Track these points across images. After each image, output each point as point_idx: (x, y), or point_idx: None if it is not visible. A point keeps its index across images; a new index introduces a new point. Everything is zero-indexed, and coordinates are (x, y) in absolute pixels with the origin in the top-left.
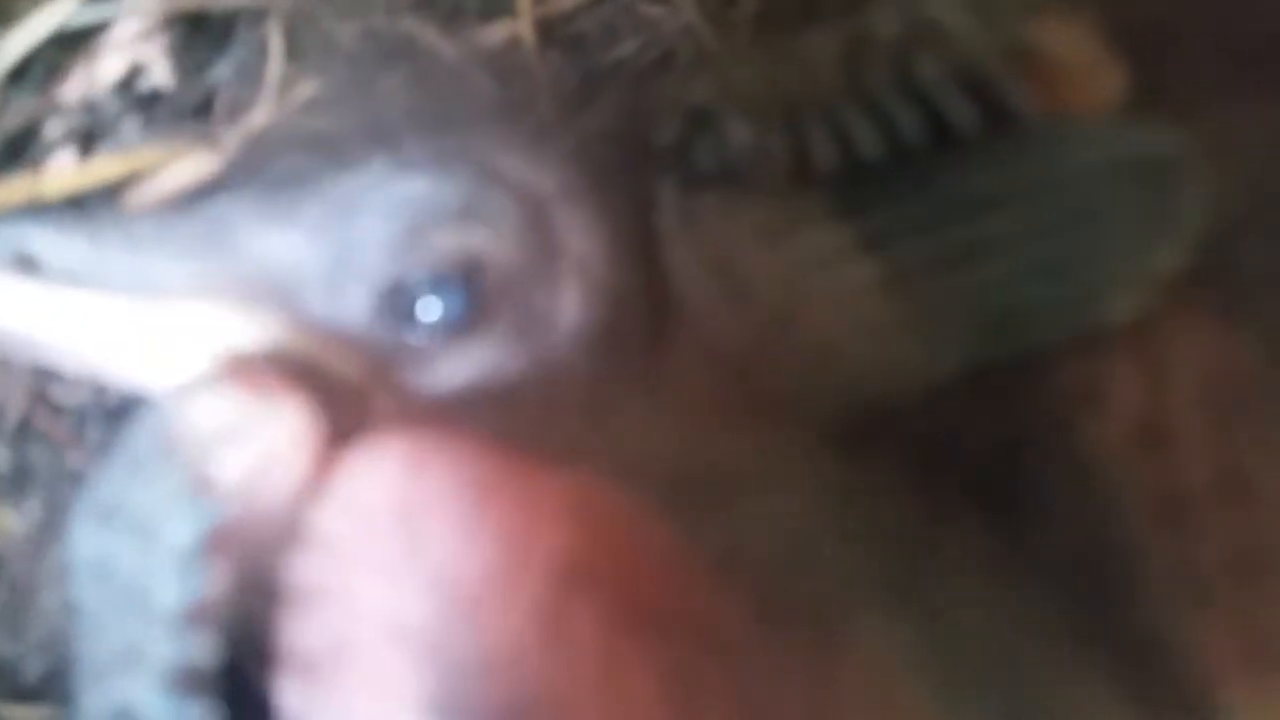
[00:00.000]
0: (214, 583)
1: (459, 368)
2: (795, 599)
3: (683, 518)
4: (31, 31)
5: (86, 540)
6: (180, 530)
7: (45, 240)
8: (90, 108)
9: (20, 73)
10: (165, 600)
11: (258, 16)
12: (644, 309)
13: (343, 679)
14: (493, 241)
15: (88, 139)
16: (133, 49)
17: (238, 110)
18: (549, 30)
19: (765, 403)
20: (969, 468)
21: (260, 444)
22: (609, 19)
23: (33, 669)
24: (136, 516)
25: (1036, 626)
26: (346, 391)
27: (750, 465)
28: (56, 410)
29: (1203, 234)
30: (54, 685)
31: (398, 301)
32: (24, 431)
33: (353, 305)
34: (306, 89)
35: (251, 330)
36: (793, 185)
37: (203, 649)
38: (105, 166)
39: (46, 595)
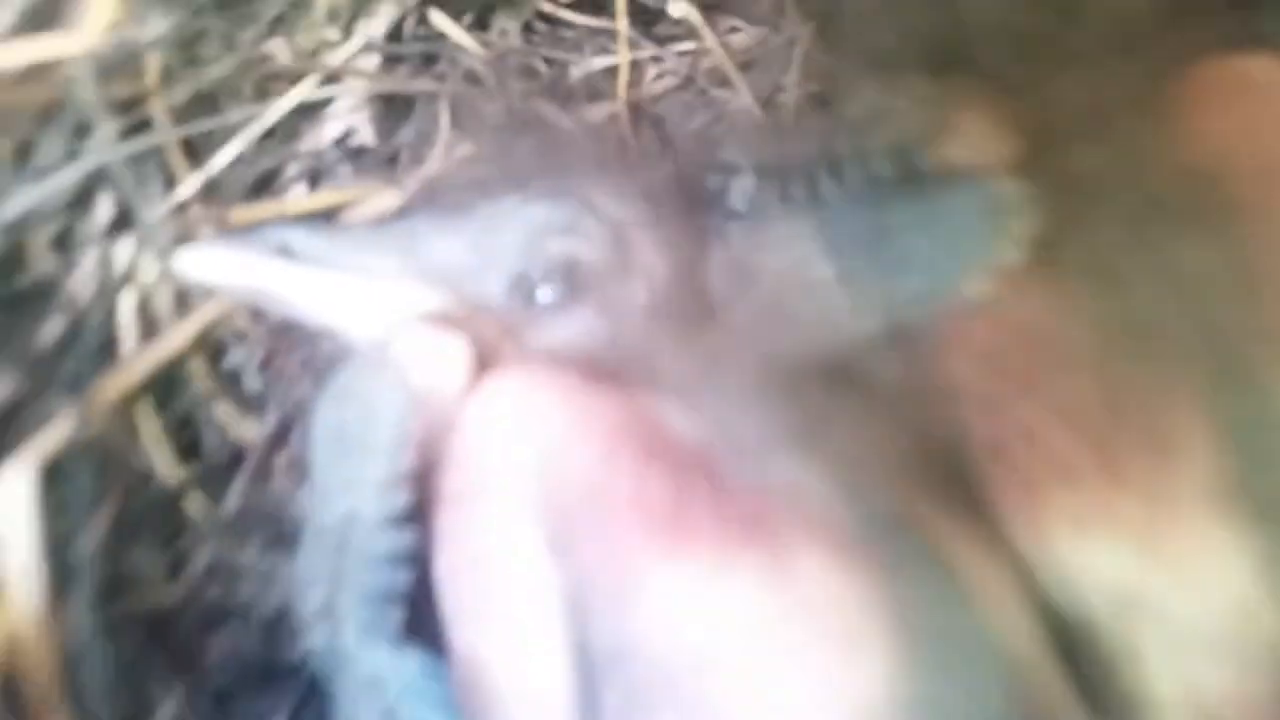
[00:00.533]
0: (405, 454)
1: (561, 333)
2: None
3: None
4: (283, 104)
5: (325, 415)
6: (389, 414)
7: (297, 237)
8: (317, 156)
9: (272, 131)
10: (376, 469)
11: (432, 98)
12: (691, 300)
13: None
14: (587, 250)
15: (314, 177)
16: (347, 117)
17: (417, 162)
18: (638, 109)
19: (770, 360)
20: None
21: (436, 366)
22: (687, 100)
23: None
24: (360, 402)
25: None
26: (487, 343)
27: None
28: (291, 349)
29: (1029, 241)
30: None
31: (523, 287)
32: (268, 365)
33: (493, 288)
34: (465, 148)
35: (429, 302)
36: (782, 217)
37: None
38: (327, 197)
39: (278, 480)
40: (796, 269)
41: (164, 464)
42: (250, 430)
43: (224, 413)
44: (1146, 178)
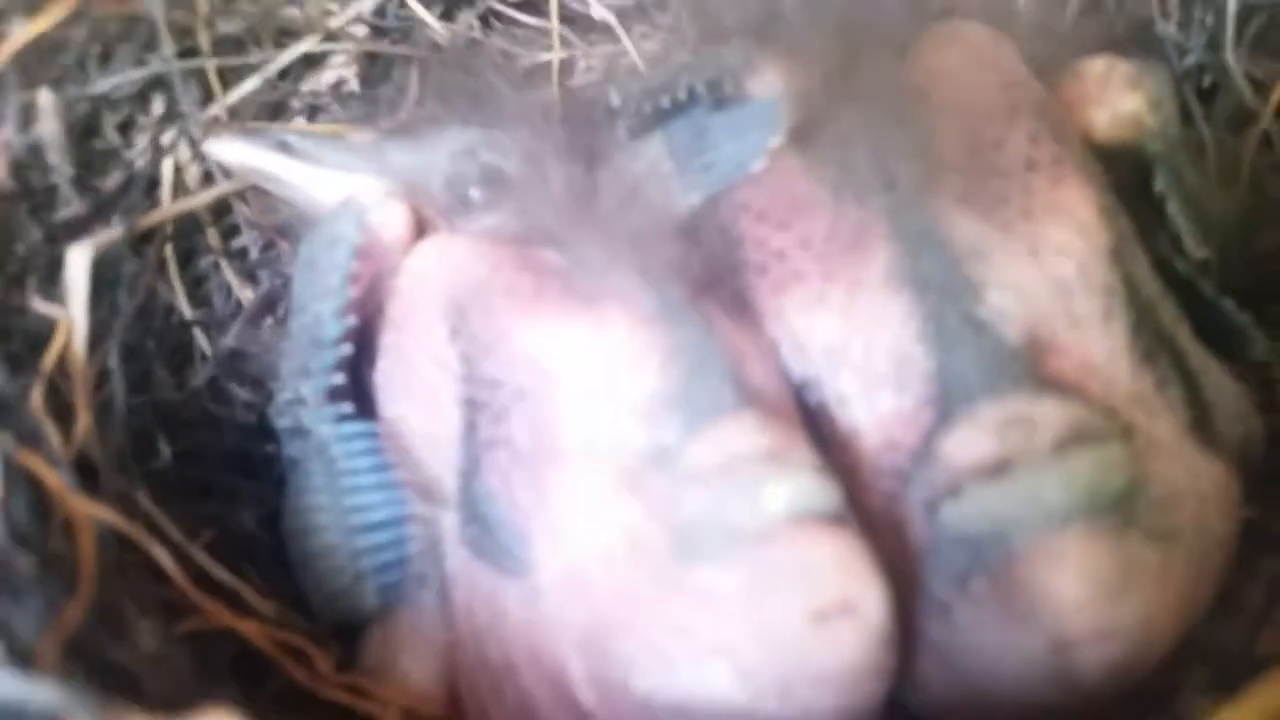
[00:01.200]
0: (355, 263)
1: (484, 222)
2: None
3: None
4: (292, 52)
5: (301, 249)
6: (346, 239)
7: (292, 138)
8: (315, 96)
9: (284, 73)
10: (333, 278)
11: (406, 63)
12: (579, 193)
13: (405, 384)
14: (509, 164)
15: (312, 112)
16: (340, 70)
17: (391, 110)
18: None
19: (624, 219)
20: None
21: (383, 214)
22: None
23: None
24: (326, 235)
25: None
26: (426, 220)
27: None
28: (286, 239)
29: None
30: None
31: (456, 187)
32: (268, 249)
33: (436, 185)
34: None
35: (386, 188)
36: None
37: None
38: (320, 128)
39: (265, 332)
40: (650, 164)
41: (181, 302)
42: (248, 294)
43: (230, 277)
44: (879, 92)
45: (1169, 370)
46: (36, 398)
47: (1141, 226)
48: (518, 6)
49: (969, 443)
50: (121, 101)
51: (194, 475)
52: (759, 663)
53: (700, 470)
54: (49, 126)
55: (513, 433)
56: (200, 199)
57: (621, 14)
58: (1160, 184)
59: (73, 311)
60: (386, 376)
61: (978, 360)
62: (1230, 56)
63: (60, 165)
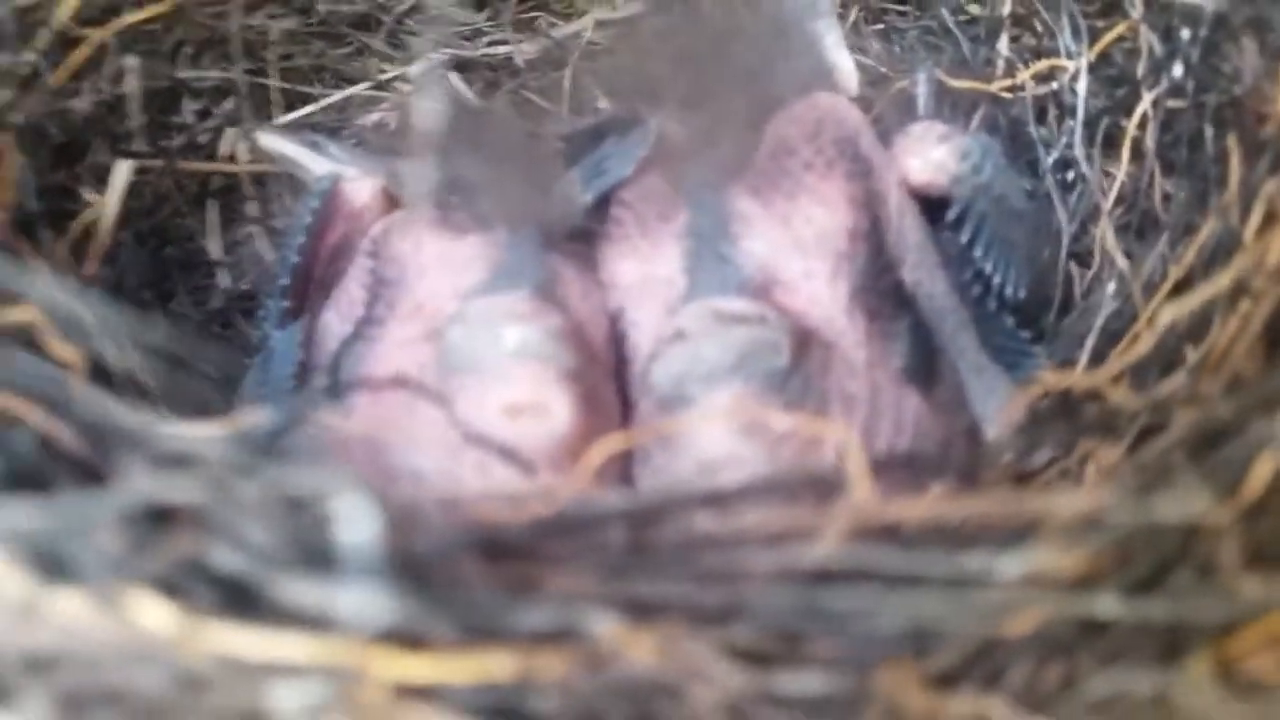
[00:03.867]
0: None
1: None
2: None
3: None
4: (344, 92)
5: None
6: (305, 215)
7: (321, 141)
8: (360, 130)
9: (341, 108)
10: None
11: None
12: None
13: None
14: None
15: (356, 143)
16: (384, 113)
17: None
18: None
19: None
20: None
21: (354, 191)
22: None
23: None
24: (312, 194)
25: None
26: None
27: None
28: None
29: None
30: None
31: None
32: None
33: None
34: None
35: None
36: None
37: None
38: None
39: None
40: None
41: (213, 246)
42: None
43: (260, 240)
44: (723, 125)
45: (901, 331)
46: (62, 248)
47: (950, 255)
48: (540, 92)
49: (673, 322)
50: (203, 92)
51: None
52: (465, 443)
53: (470, 317)
54: (131, 84)
55: (376, 310)
56: (243, 166)
57: None
58: (964, 221)
59: (109, 202)
60: (329, 298)
61: (715, 281)
62: (1080, 153)
63: (135, 115)
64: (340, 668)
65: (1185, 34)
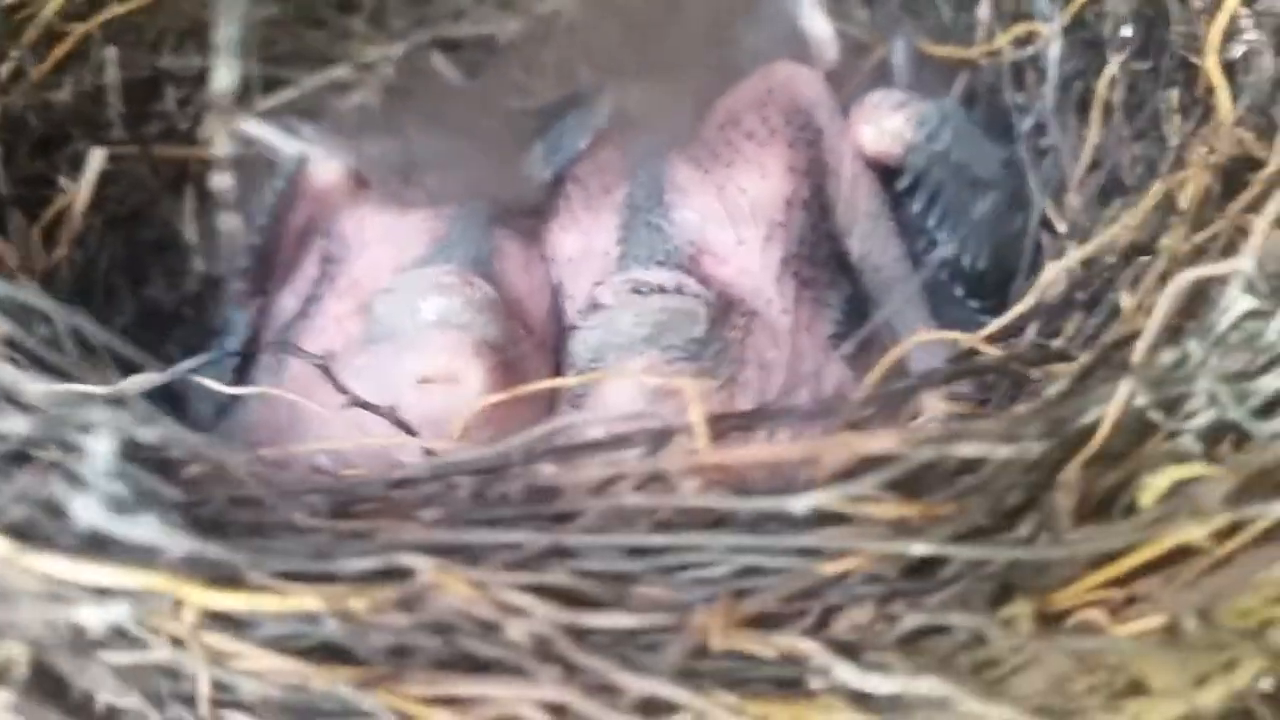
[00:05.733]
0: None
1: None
2: None
3: None
4: (323, 76)
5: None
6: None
7: (295, 125)
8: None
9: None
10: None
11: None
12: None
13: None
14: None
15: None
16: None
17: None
18: None
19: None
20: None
21: (320, 173)
22: None
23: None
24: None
25: None
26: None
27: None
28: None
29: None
30: None
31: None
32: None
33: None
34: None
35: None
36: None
37: None
38: None
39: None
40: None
41: (190, 230)
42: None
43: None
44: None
45: (835, 300)
46: (36, 233)
47: (905, 224)
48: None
49: (594, 294)
50: (184, 80)
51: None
52: (383, 410)
53: (396, 289)
54: (110, 74)
55: (320, 287)
56: (221, 149)
57: None
58: (917, 190)
59: (81, 188)
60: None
61: (645, 251)
62: (1052, 119)
63: (115, 104)
64: (146, 593)
65: None
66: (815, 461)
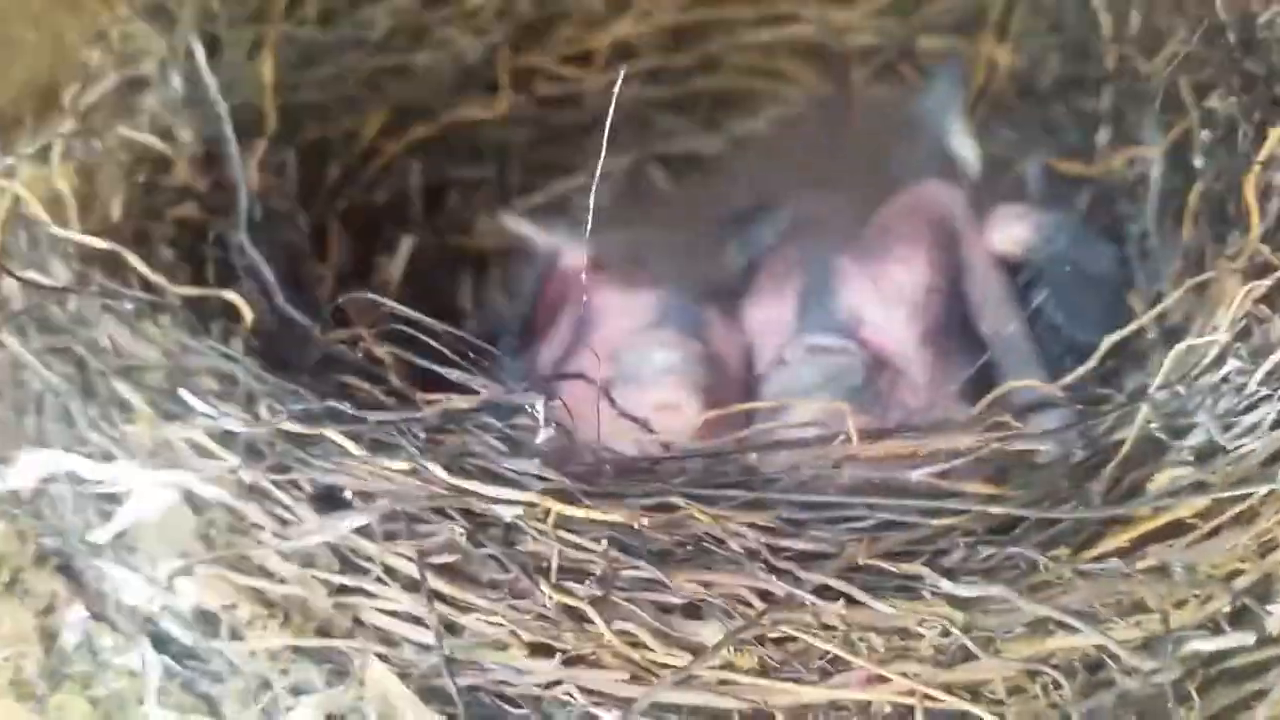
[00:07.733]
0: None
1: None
2: None
3: None
4: None
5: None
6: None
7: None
8: None
9: None
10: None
11: None
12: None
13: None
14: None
15: None
16: None
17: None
18: None
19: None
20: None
21: (573, 260)
22: None
23: None
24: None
25: None
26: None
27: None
28: None
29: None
30: None
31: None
32: None
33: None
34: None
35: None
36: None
37: None
38: None
39: None
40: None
41: (465, 300)
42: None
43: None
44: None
45: (963, 364)
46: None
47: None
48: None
49: (780, 353)
50: (467, 185)
51: None
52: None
53: (637, 345)
54: (413, 180)
55: (577, 345)
56: (490, 241)
57: None
58: (1038, 283)
59: (395, 266)
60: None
61: (817, 322)
62: (1151, 228)
63: (416, 204)
64: (530, 504)
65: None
66: (928, 453)
